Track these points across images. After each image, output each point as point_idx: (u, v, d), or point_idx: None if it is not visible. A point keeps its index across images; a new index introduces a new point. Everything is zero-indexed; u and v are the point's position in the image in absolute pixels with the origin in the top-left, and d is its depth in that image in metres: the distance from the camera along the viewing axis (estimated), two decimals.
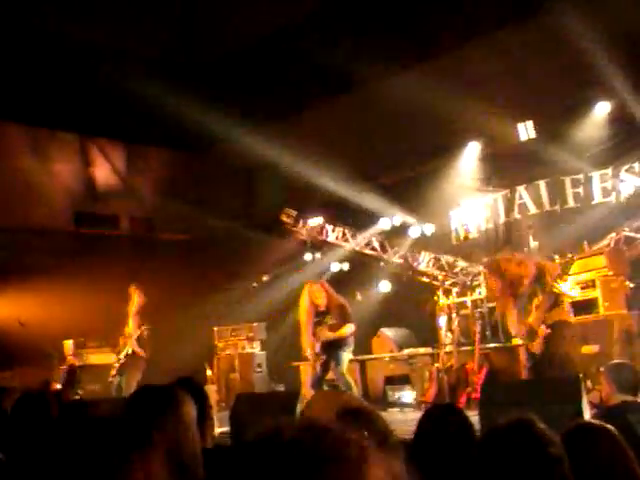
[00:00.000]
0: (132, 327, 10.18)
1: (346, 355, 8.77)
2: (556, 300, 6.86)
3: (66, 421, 2.16)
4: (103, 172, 14.05)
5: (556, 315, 6.85)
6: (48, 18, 10.28)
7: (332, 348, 8.67)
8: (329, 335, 8.63)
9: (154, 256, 13.83)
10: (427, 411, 3.25)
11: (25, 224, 12.37)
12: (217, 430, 5.99)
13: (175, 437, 2.37)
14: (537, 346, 6.94)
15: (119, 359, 10.18)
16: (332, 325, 8.66)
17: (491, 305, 10.38)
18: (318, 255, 13.26)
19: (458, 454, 2.75)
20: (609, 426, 2.62)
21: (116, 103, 11.62)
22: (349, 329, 8.68)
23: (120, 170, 14.30)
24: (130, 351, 10.09)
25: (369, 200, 12.13)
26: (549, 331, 6.79)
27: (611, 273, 9.25)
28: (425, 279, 12.08)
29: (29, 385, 8.47)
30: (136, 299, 10.23)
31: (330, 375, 8.85)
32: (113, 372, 10.19)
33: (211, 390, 10.85)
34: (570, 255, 7.18)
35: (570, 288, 7.87)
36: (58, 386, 10.50)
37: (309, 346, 8.81)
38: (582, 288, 9.19)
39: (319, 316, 8.82)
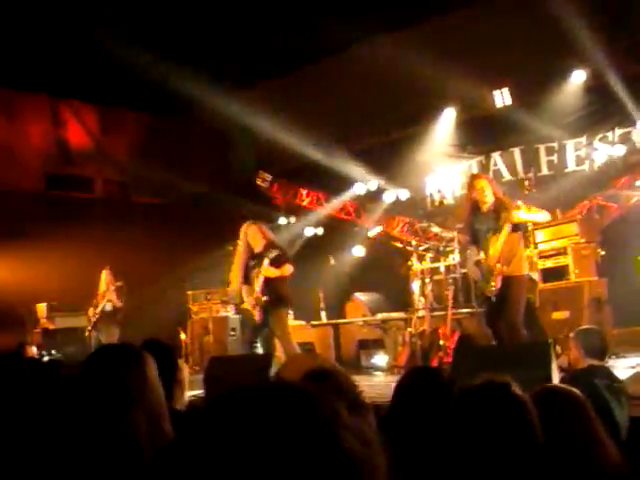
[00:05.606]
0: (105, 283, 10.31)
1: (285, 317, 8.05)
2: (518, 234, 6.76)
3: (40, 381, 2.16)
4: (76, 135, 13.89)
5: (517, 260, 6.73)
6: None
7: (270, 306, 7.86)
8: (271, 272, 7.79)
9: (128, 220, 13.74)
10: (407, 374, 3.15)
11: None
12: (192, 393, 6.00)
13: (140, 395, 2.37)
14: (493, 289, 6.79)
15: (95, 313, 10.25)
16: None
17: (464, 271, 10.46)
18: (292, 219, 13.25)
19: (437, 417, 2.76)
20: (575, 390, 2.67)
21: (89, 65, 11.44)
22: (288, 269, 7.92)
23: (94, 133, 14.14)
24: (105, 307, 10.18)
25: (344, 165, 12.12)
26: (505, 269, 6.64)
27: (583, 240, 9.36)
28: (399, 244, 12.14)
29: (2, 348, 8.42)
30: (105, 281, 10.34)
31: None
32: (89, 327, 10.30)
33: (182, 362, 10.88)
34: None
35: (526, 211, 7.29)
36: (34, 348, 10.49)
37: (243, 291, 8.04)
38: (554, 255, 9.31)
39: (255, 259, 8.04)
